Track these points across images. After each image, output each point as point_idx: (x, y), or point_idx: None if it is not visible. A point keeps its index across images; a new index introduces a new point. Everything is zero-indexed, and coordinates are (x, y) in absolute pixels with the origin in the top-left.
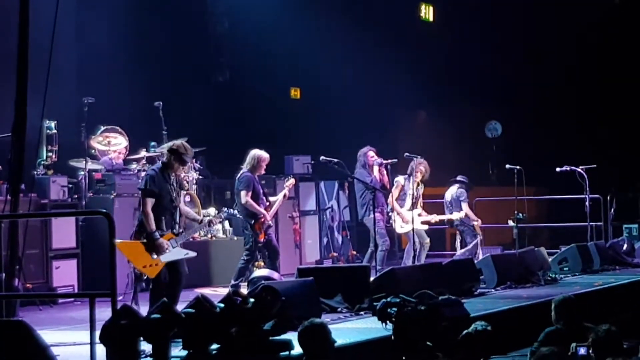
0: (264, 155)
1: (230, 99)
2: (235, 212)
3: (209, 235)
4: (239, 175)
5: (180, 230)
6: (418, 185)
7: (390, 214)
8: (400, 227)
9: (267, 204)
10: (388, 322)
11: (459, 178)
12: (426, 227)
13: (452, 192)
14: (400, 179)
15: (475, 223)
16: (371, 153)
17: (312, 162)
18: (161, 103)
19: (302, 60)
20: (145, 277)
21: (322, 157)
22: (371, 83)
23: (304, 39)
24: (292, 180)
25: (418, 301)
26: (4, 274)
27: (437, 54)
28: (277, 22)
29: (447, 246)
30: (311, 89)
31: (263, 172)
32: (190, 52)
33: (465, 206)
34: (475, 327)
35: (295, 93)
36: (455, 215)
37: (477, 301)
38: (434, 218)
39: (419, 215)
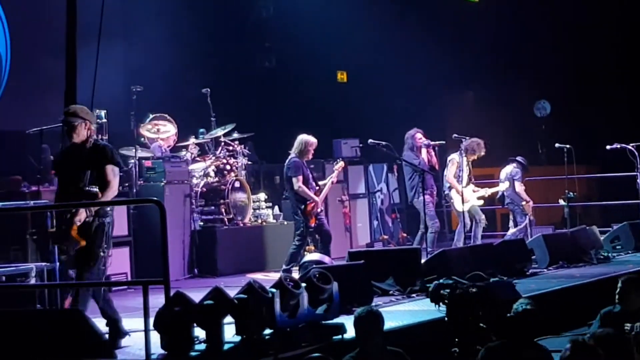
0: (312, 140)
1: (277, 83)
2: None
3: (260, 221)
4: (287, 161)
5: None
6: (469, 163)
7: (447, 192)
8: (459, 205)
9: (317, 188)
10: (441, 303)
11: (517, 158)
12: (482, 202)
13: (507, 170)
14: (455, 156)
15: (524, 203)
16: (419, 135)
17: (361, 145)
18: (209, 90)
19: (348, 43)
20: None
21: (370, 140)
22: (418, 64)
23: (349, 22)
24: (341, 163)
25: (470, 283)
26: (58, 263)
27: (483, 34)
28: (321, 6)
29: (498, 227)
30: (358, 72)
31: (311, 156)
32: (237, 38)
33: (518, 185)
34: (516, 308)
35: (341, 76)
36: (502, 187)
37: (530, 281)
38: (487, 192)
39: (473, 191)
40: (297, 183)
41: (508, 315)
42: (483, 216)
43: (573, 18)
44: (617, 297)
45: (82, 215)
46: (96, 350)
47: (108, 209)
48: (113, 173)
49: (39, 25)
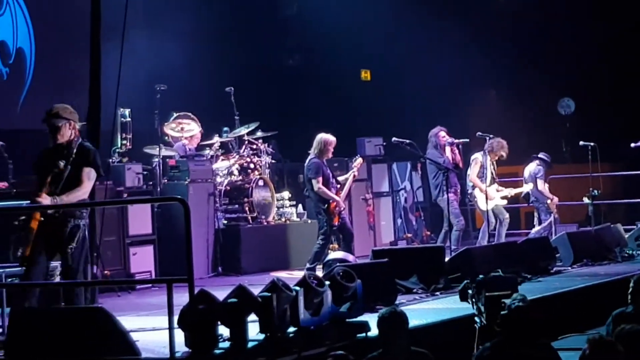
0: (331, 138)
1: (301, 82)
2: None
3: (283, 219)
4: (307, 162)
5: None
6: (492, 162)
7: (471, 191)
8: (483, 204)
9: (338, 186)
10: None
11: (540, 155)
12: (505, 202)
13: (530, 169)
14: (478, 156)
15: (549, 201)
16: (442, 133)
17: (384, 143)
18: (232, 88)
19: (372, 41)
20: None
21: (394, 139)
22: (441, 63)
23: (373, 20)
24: (359, 160)
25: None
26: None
27: (506, 31)
28: (345, 4)
29: (522, 225)
30: (381, 70)
31: (331, 155)
32: (260, 37)
33: (540, 183)
34: (509, 304)
35: (365, 75)
36: (526, 188)
37: (554, 279)
38: (510, 192)
39: (497, 190)
40: (317, 184)
41: (501, 312)
42: (507, 215)
43: (598, 15)
44: (629, 297)
45: (45, 199)
46: (120, 348)
47: (83, 211)
48: (88, 176)
49: (63, 24)
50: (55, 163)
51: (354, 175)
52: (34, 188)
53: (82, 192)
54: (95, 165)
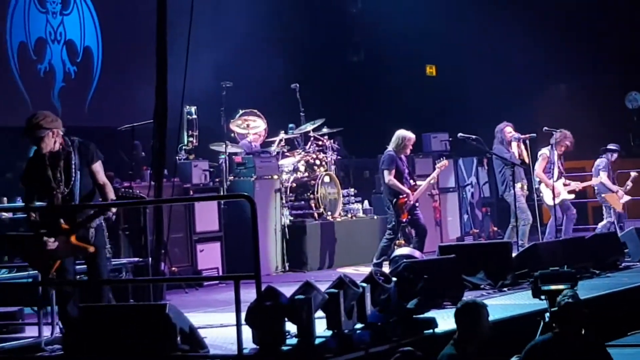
0: (410, 135)
1: (366, 78)
2: None
3: (349, 215)
4: (383, 154)
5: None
6: (560, 156)
7: (538, 186)
8: (550, 199)
9: (413, 183)
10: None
11: (609, 146)
12: (573, 196)
13: (597, 163)
14: (545, 151)
15: (606, 194)
16: (508, 129)
17: (450, 139)
18: (298, 85)
19: (437, 36)
20: None
21: (459, 134)
22: (507, 57)
23: (437, 15)
24: (445, 162)
25: None
26: (150, 259)
27: (574, 25)
28: (410, 0)
29: (590, 220)
30: (447, 65)
31: (409, 152)
32: (325, 33)
33: (603, 175)
34: (559, 301)
35: (431, 70)
36: (594, 181)
37: (622, 275)
38: (578, 186)
39: (564, 185)
40: (388, 176)
41: (552, 309)
42: (574, 210)
43: None
44: None
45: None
46: (188, 345)
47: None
48: (102, 169)
49: (130, 22)
50: (53, 180)
51: (435, 177)
52: (26, 200)
53: (111, 191)
54: (99, 156)
